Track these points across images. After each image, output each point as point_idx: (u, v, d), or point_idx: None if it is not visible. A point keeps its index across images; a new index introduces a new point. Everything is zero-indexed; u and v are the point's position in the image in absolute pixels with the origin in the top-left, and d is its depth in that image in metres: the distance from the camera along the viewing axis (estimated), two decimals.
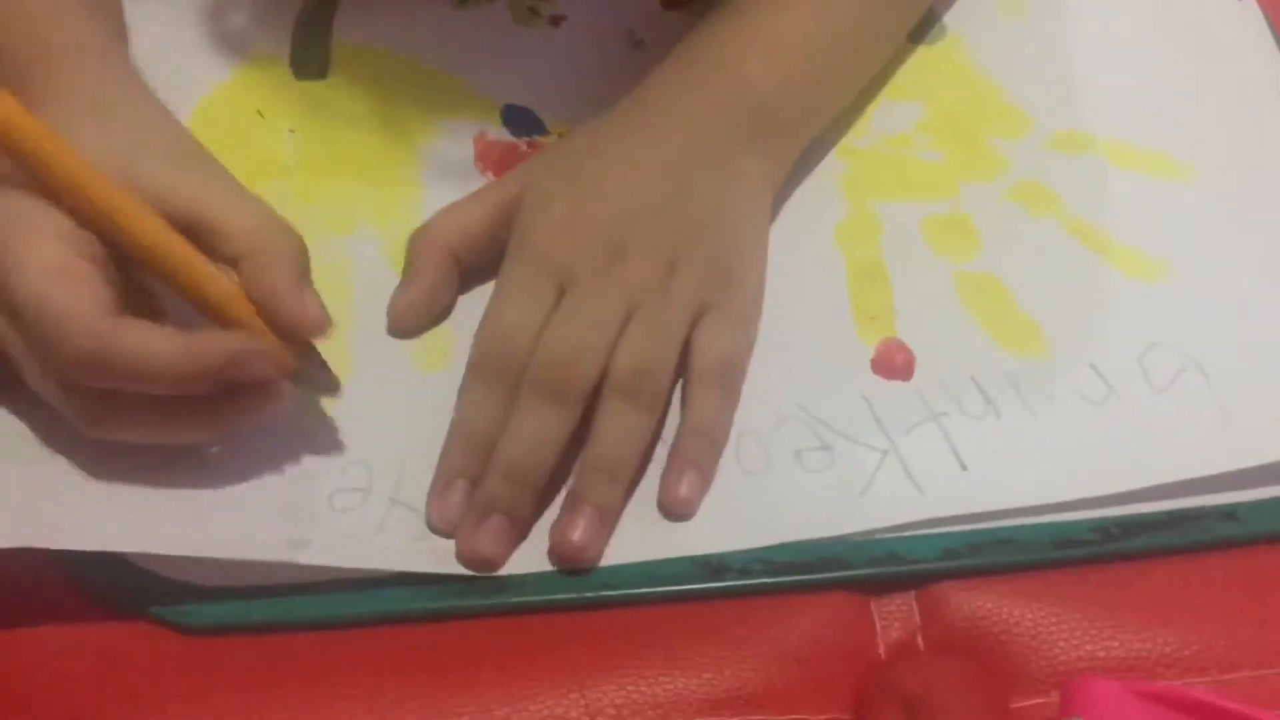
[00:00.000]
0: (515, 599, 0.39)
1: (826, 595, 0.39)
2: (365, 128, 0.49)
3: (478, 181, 0.47)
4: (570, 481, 0.40)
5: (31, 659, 0.37)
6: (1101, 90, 0.51)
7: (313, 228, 0.45)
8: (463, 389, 0.41)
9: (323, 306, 0.39)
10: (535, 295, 0.42)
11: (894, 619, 0.39)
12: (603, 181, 0.43)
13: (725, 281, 0.43)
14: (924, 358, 0.43)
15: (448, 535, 0.39)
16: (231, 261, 0.38)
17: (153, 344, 0.36)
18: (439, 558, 0.39)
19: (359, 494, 0.40)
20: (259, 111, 0.49)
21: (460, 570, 0.39)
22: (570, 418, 0.40)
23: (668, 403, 0.42)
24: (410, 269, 0.44)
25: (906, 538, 0.40)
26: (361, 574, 0.39)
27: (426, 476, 0.40)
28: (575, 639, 0.38)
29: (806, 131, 0.47)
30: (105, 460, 0.39)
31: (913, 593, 0.39)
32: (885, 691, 0.37)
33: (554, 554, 0.39)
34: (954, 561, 0.39)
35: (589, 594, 0.39)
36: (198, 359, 0.36)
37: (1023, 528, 0.40)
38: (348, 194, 0.47)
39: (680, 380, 0.42)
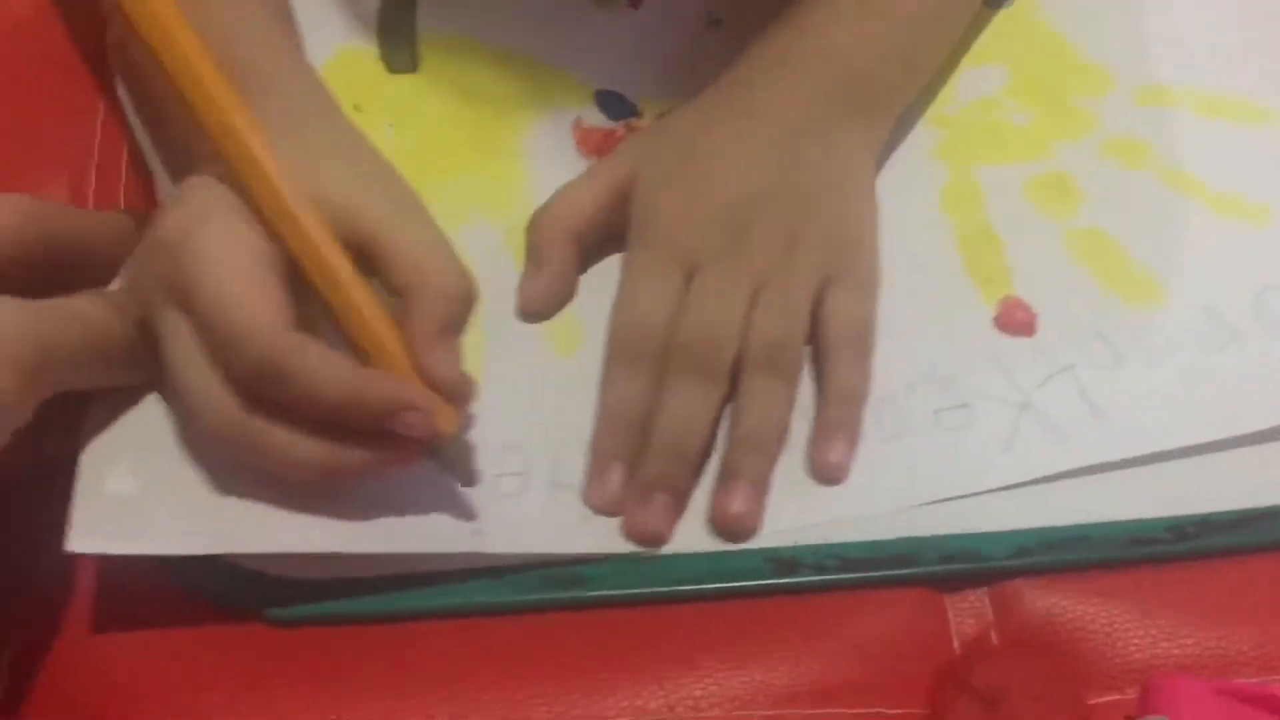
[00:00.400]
0: (592, 593, 0.39)
1: (900, 591, 0.40)
2: (463, 119, 0.50)
3: (580, 166, 0.48)
4: (719, 457, 0.41)
5: (142, 659, 0.38)
6: (1179, 41, 0.52)
7: None
8: (606, 374, 0.42)
9: (456, 363, 0.38)
10: (665, 280, 0.43)
11: (967, 615, 0.40)
12: (715, 163, 0.44)
13: (844, 251, 0.44)
14: (1045, 313, 0.45)
15: (610, 515, 0.40)
16: (397, 293, 0.38)
17: (330, 367, 0.36)
18: (605, 538, 0.40)
19: (519, 479, 0.41)
20: (356, 106, 0.50)
21: (628, 548, 0.40)
22: (719, 393, 0.41)
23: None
24: (536, 255, 0.45)
25: (980, 535, 0.40)
26: (535, 559, 0.39)
27: (579, 458, 0.41)
28: (652, 632, 0.39)
29: (900, 99, 0.48)
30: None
31: (985, 589, 0.40)
32: (961, 686, 0.38)
33: (715, 526, 0.40)
34: (1027, 559, 0.40)
35: (663, 589, 0.39)
36: (364, 395, 0.36)
37: (1097, 525, 0.40)
38: (456, 185, 0.48)
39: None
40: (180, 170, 0.44)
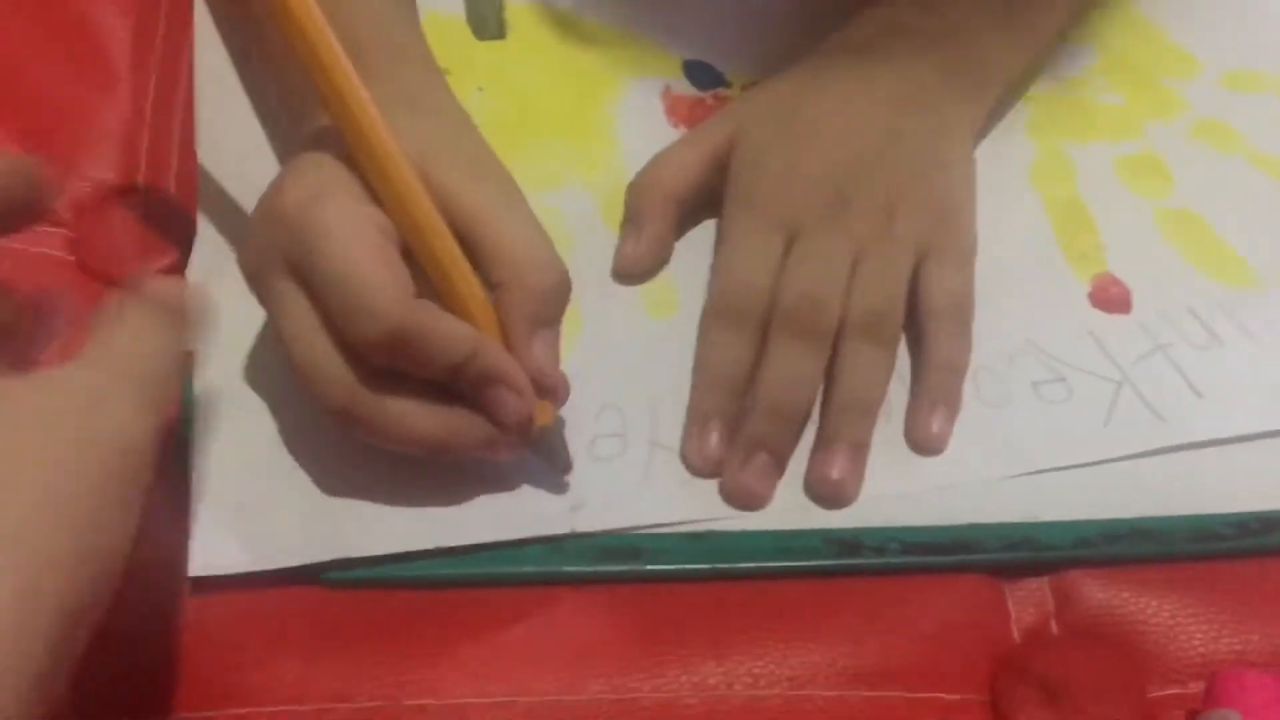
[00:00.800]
0: (650, 566, 0.39)
1: (959, 577, 0.40)
2: (551, 86, 0.50)
3: (669, 134, 0.48)
4: (819, 423, 0.41)
5: (203, 621, 0.38)
6: (1266, 25, 0.52)
7: (521, 183, 0.46)
8: (705, 334, 0.43)
9: (553, 357, 0.39)
10: (766, 244, 0.43)
11: (1028, 604, 0.40)
12: (817, 131, 0.44)
13: (943, 223, 0.44)
14: (1139, 291, 0.45)
15: (708, 475, 0.40)
16: (493, 286, 0.38)
17: (456, 327, 0.36)
18: (704, 505, 0.40)
19: (618, 439, 0.41)
20: (446, 70, 0.50)
21: (727, 514, 0.40)
22: (822, 355, 0.41)
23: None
24: (636, 217, 0.45)
25: (1041, 524, 0.40)
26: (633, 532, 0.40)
27: (677, 419, 0.41)
28: (710, 607, 0.38)
29: (1006, 75, 0.48)
30: (366, 467, 0.39)
31: (1046, 578, 0.40)
32: (1021, 675, 0.38)
33: (813, 492, 0.40)
34: (1088, 550, 0.40)
35: (723, 565, 0.39)
36: (481, 355, 0.36)
37: (1159, 519, 0.40)
38: (548, 150, 0.48)
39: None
40: (283, 120, 0.45)
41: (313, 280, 0.36)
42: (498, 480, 0.40)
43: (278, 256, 0.37)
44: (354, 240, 0.36)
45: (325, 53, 0.37)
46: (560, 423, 0.40)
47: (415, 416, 0.37)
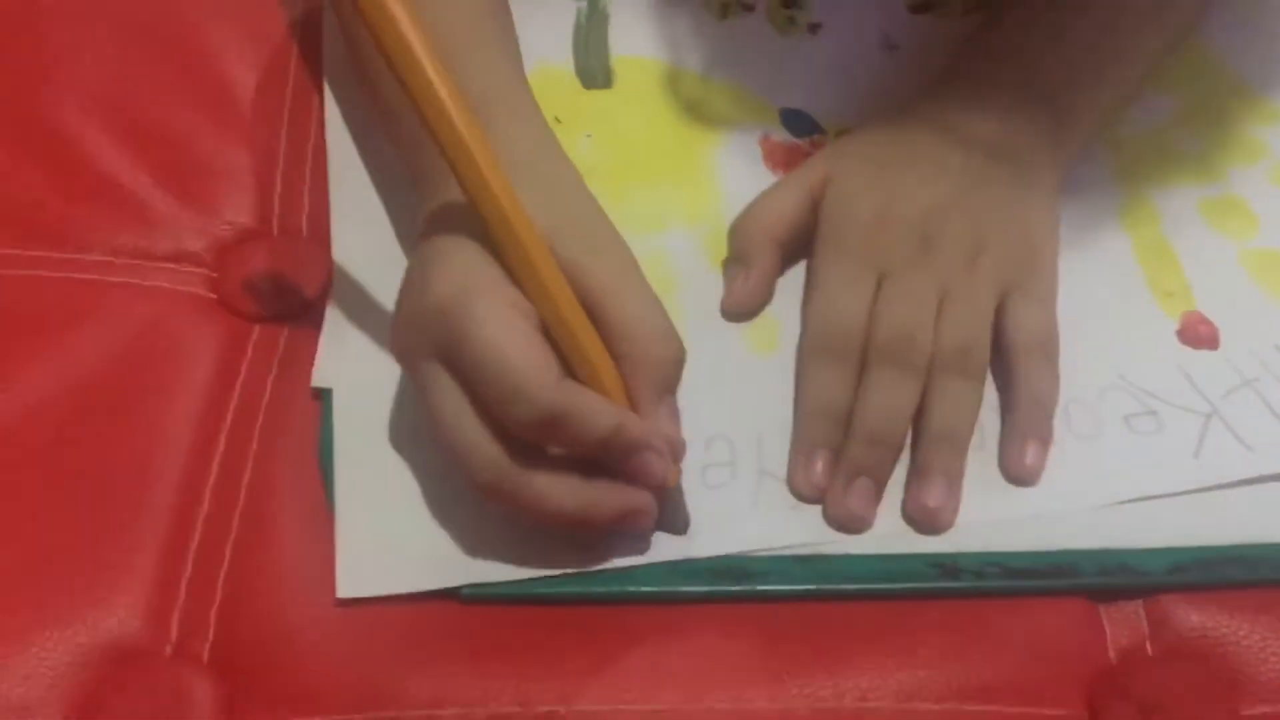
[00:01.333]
0: (760, 587, 0.41)
1: (1057, 601, 0.41)
2: (655, 133, 0.52)
3: (767, 178, 0.50)
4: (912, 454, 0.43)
5: (345, 632, 0.40)
6: None
7: (628, 225, 0.48)
8: (806, 369, 0.45)
9: (676, 423, 0.41)
10: (860, 283, 0.45)
11: (1123, 626, 0.41)
12: (907, 179, 0.47)
13: (1025, 264, 0.46)
14: (1226, 329, 0.46)
15: (814, 501, 0.43)
16: (617, 358, 0.40)
17: (597, 405, 0.39)
18: (810, 529, 0.42)
19: (727, 469, 0.43)
20: (556, 118, 0.53)
21: (832, 538, 0.42)
22: (917, 387, 0.43)
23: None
24: (743, 257, 0.48)
25: (1137, 550, 0.42)
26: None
27: (783, 448, 0.44)
28: (817, 626, 0.41)
29: (1089, 125, 0.50)
30: (472, 497, 0.41)
31: (1140, 601, 0.42)
32: (1119, 692, 0.39)
33: (911, 519, 0.42)
34: (1183, 576, 0.41)
35: (829, 586, 0.41)
36: (624, 428, 0.39)
37: (1253, 546, 0.42)
38: (653, 194, 0.51)
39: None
40: (411, 159, 0.46)
41: (464, 369, 0.38)
42: None
43: (428, 343, 0.39)
44: (504, 331, 0.38)
45: (463, 133, 0.38)
46: (679, 486, 0.42)
47: (558, 494, 0.39)
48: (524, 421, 0.38)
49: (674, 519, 0.42)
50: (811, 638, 0.40)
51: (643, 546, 0.41)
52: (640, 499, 0.40)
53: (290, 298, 0.47)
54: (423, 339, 0.39)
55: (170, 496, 0.42)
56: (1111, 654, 0.41)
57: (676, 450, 0.41)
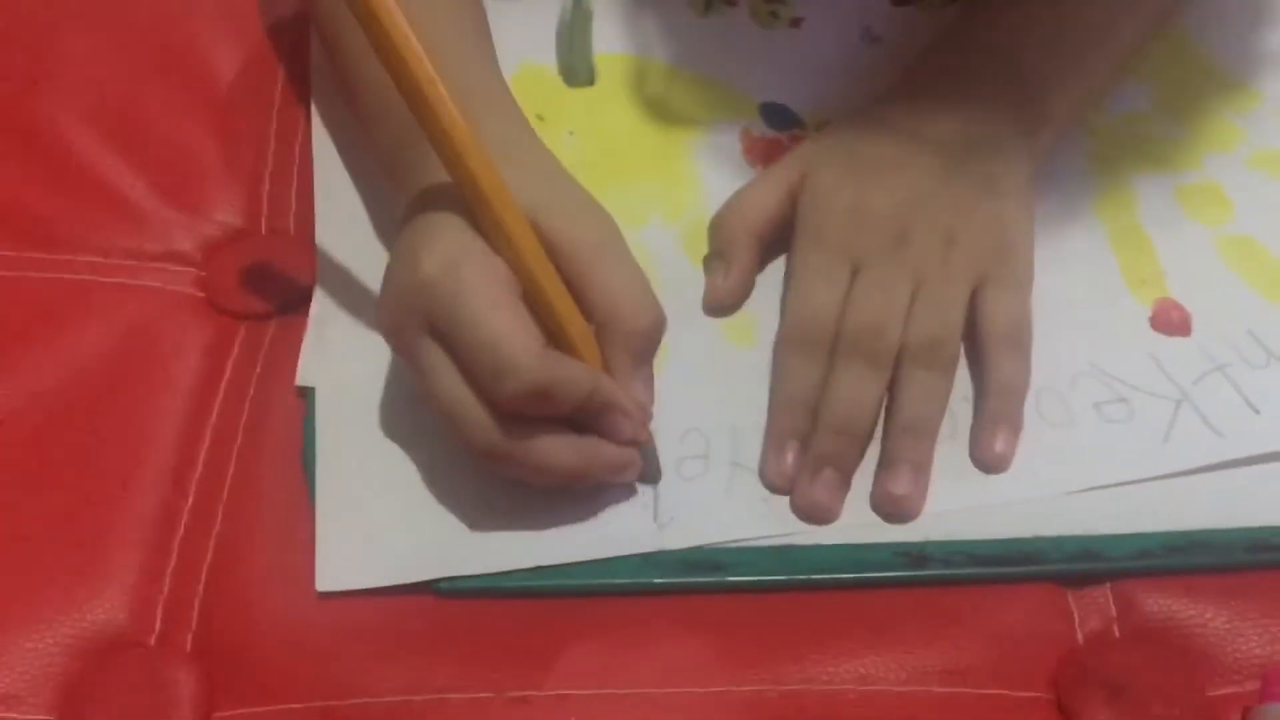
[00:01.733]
0: (731, 578, 0.42)
1: (1025, 586, 0.42)
2: (637, 129, 0.53)
3: (747, 173, 0.51)
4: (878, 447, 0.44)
5: (317, 626, 0.41)
6: None
7: None
8: (780, 361, 0.46)
9: (649, 391, 0.43)
10: (833, 277, 0.46)
11: (1091, 610, 0.42)
12: (879, 170, 0.47)
13: (999, 253, 0.47)
14: (1199, 315, 0.47)
15: (785, 492, 0.43)
16: (597, 325, 0.42)
17: (576, 371, 0.40)
18: (781, 520, 0.43)
19: (701, 461, 0.44)
20: (539, 116, 0.53)
21: (801, 528, 0.43)
22: (883, 379, 0.44)
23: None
24: (723, 253, 0.48)
25: (1103, 536, 0.42)
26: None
27: (756, 440, 0.44)
28: (788, 615, 0.41)
29: (1064, 113, 0.50)
30: (473, 492, 0.43)
31: (1108, 585, 0.42)
32: (1086, 675, 0.40)
33: (879, 508, 0.43)
34: (1149, 561, 0.42)
35: (799, 577, 0.42)
36: (600, 388, 0.40)
37: (1217, 531, 0.42)
38: (633, 189, 0.51)
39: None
40: (387, 156, 0.47)
41: (456, 342, 0.39)
42: (590, 501, 0.43)
43: (419, 318, 0.40)
44: (494, 305, 0.39)
45: (441, 108, 0.39)
46: (651, 440, 0.43)
47: (557, 451, 0.41)
48: (512, 396, 0.39)
49: (647, 471, 0.43)
50: (781, 626, 0.41)
51: (617, 540, 0.42)
52: (629, 452, 0.42)
53: (277, 295, 0.48)
54: (413, 314, 0.40)
55: (156, 490, 0.43)
56: (1079, 637, 0.41)
57: (646, 413, 0.42)
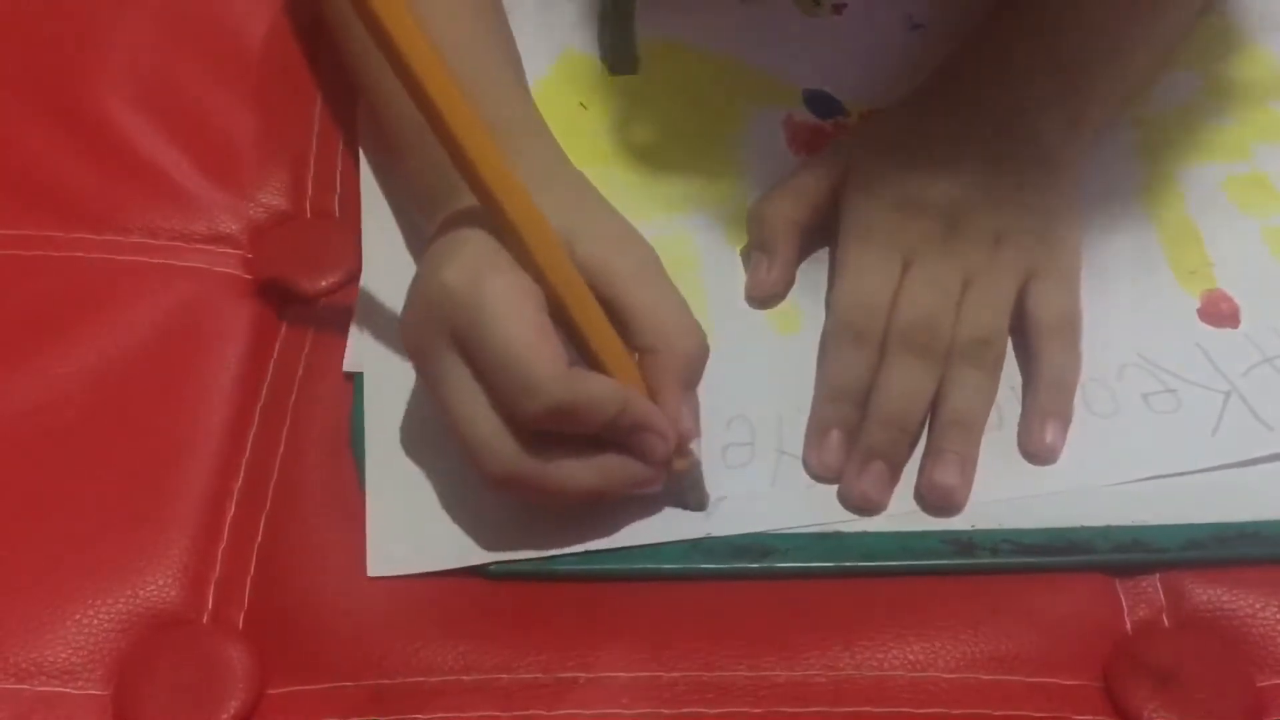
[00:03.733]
0: (780, 564, 0.42)
1: (1073, 575, 0.42)
2: (681, 116, 0.53)
3: (790, 160, 0.51)
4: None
5: (391, 608, 0.41)
6: None
7: (651, 207, 0.50)
8: (828, 350, 0.45)
9: (695, 416, 0.41)
10: (885, 267, 0.46)
11: (1140, 599, 0.42)
12: (929, 160, 0.47)
13: (1048, 247, 0.46)
14: (1248, 306, 0.47)
15: (829, 481, 0.43)
16: (637, 351, 0.41)
17: (602, 389, 0.39)
18: (827, 509, 0.43)
19: (747, 448, 0.44)
20: (581, 104, 0.53)
21: (847, 518, 0.43)
22: (935, 372, 0.44)
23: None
24: (766, 245, 0.48)
25: (1152, 526, 0.42)
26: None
27: (802, 428, 0.44)
28: (836, 601, 0.41)
29: (1109, 103, 0.50)
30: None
31: (1157, 575, 0.42)
32: (1134, 663, 0.40)
33: (924, 498, 0.43)
34: (1198, 551, 0.42)
35: (847, 563, 0.42)
36: (630, 407, 0.39)
37: (1267, 523, 0.42)
38: (678, 176, 0.51)
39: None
40: (417, 188, 0.46)
41: (479, 357, 0.39)
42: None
43: (442, 332, 0.39)
44: (516, 318, 0.38)
45: (472, 133, 0.38)
46: (697, 465, 0.43)
47: (574, 474, 0.40)
48: (533, 414, 0.38)
49: (690, 498, 0.43)
50: (829, 612, 0.41)
51: (664, 525, 0.42)
52: (650, 469, 0.41)
53: (323, 278, 0.48)
54: (437, 327, 0.39)
55: (206, 471, 0.43)
56: (1128, 626, 0.41)
57: (686, 439, 0.41)
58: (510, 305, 0.38)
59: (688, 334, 0.41)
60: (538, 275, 0.39)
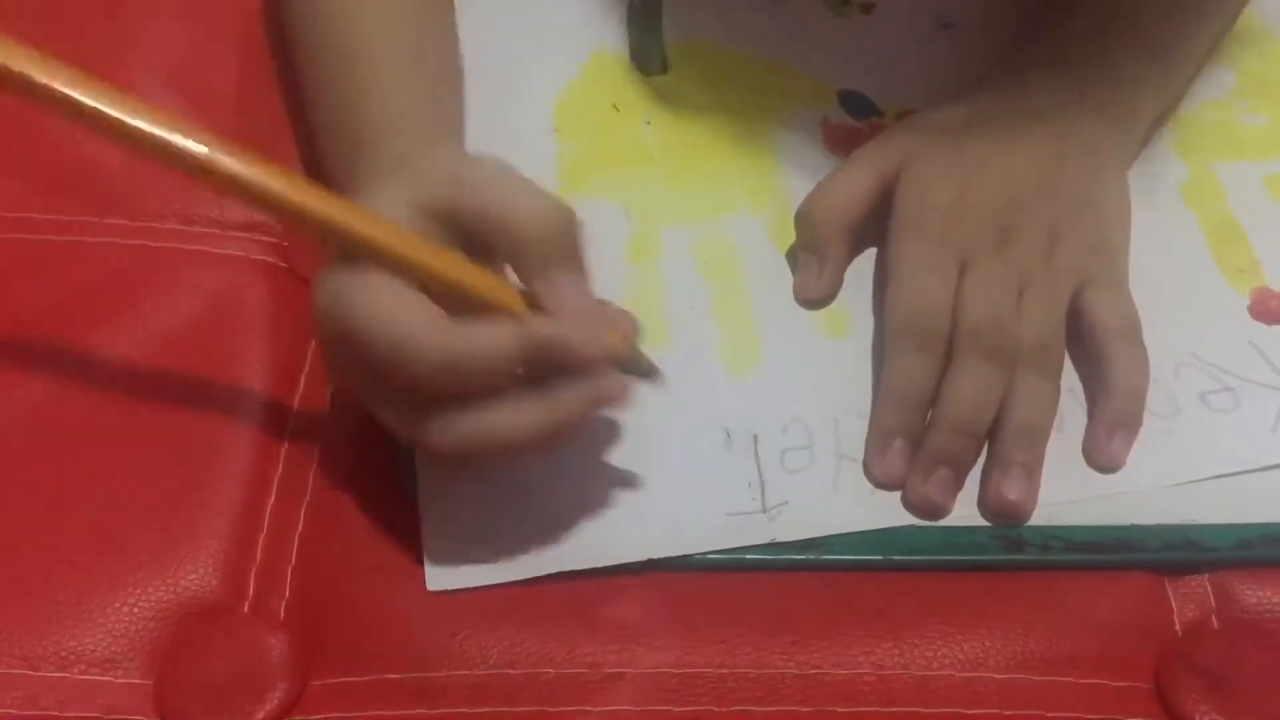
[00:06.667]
0: (829, 556, 0.41)
1: (1122, 574, 0.41)
2: (715, 117, 0.52)
3: (829, 163, 0.50)
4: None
5: (437, 601, 0.40)
6: None
7: (693, 210, 0.49)
8: (890, 354, 0.44)
9: (585, 292, 0.39)
10: (944, 270, 0.45)
11: (1189, 600, 0.41)
12: (983, 166, 0.47)
13: (1100, 252, 0.46)
14: None
15: (892, 488, 0.42)
16: (510, 258, 0.39)
17: (493, 337, 0.37)
18: (889, 514, 0.42)
19: (806, 452, 0.43)
20: (614, 105, 0.53)
21: (909, 522, 0.42)
22: (1004, 378, 0.43)
23: None
24: (815, 247, 0.47)
25: (1202, 526, 0.42)
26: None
27: (860, 430, 0.43)
28: (884, 596, 0.41)
29: (1154, 108, 0.50)
30: (578, 484, 0.42)
31: (1206, 576, 0.42)
32: (1185, 665, 0.39)
33: (990, 511, 0.42)
34: (1248, 551, 0.41)
35: (896, 557, 0.41)
36: (529, 339, 0.37)
37: None
38: (716, 178, 0.51)
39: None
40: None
41: (371, 355, 0.37)
42: (696, 494, 0.42)
43: (346, 357, 0.38)
44: (379, 298, 0.37)
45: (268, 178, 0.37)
46: (628, 341, 0.40)
47: (521, 418, 0.37)
48: (429, 377, 0.37)
49: (642, 375, 0.40)
50: (878, 605, 0.40)
51: (727, 532, 0.41)
52: (601, 385, 0.38)
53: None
54: (341, 357, 0.38)
55: (245, 460, 0.43)
56: (1178, 627, 0.41)
57: (601, 318, 0.39)
58: (373, 296, 0.37)
59: (540, 214, 0.38)
60: (373, 256, 0.37)
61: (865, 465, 0.43)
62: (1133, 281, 0.46)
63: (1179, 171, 0.50)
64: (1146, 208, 0.49)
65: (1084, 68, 0.49)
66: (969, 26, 0.54)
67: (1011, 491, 0.42)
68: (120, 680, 0.39)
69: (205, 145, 0.37)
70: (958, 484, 0.42)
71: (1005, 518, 0.42)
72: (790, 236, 0.48)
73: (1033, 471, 0.42)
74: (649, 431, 0.43)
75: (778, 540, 0.41)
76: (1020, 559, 0.41)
